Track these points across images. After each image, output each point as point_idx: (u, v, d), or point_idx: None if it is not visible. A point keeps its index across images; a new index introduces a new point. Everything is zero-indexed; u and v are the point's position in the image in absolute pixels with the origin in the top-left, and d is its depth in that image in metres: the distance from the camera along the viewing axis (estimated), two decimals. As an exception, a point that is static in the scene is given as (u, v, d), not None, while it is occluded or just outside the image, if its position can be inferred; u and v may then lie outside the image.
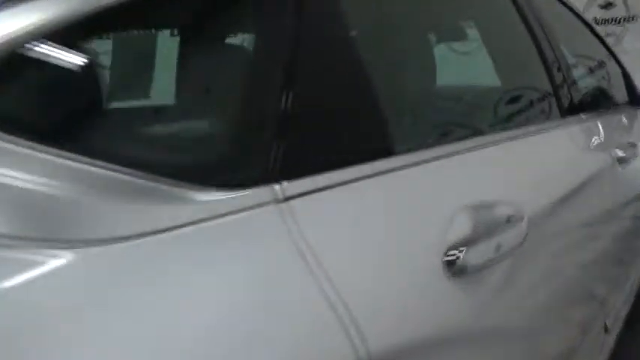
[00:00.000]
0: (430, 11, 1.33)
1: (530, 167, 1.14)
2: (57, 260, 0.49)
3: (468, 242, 0.81)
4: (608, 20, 3.89)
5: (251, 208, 0.61)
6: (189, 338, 0.52)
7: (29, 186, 0.50)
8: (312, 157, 0.71)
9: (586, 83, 1.85)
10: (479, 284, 0.84)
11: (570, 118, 1.51)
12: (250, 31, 0.74)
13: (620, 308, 1.66)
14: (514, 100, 1.41)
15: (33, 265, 0.48)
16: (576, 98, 1.59)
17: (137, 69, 0.75)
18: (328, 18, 0.79)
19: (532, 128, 1.29)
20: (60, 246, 0.50)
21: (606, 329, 1.51)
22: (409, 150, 0.86)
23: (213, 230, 0.58)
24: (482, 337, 0.85)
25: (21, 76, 0.54)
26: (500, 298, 0.90)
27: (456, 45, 1.55)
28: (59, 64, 0.56)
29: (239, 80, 0.73)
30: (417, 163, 0.85)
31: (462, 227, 0.82)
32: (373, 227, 0.73)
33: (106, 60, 0.63)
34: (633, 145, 1.77)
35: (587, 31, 2.03)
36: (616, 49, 2.26)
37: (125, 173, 0.55)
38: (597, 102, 1.77)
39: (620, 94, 2.09)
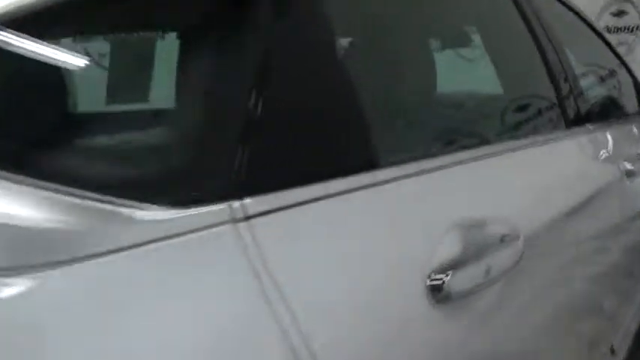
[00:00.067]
0: (431, 17, 1.27)
1: (528, 181, 1.07)
2: None
3: (455, 265, 0.75)
4: (620, 28, 3.82)
5: (205, 228, 0.55)
6: None
7: None
8: (280, 171, 0.64)
9: (595, 92, 1.81)
10: (467, 310, 0.78)
11: (576, 129, 1.44)
12: (210, 33, 0.67)
13: (628, 325, 1.59)
14: (515, 109, 1.34)
15: None
16: (583, 108, 1.52)
17: (80, 72, 0.69)
18: (305, 20, 0.73)
19: (533, 139, 1.23)
20: None
21: (613, 351, 1.43)
22: (394, 162, 0.79)
23: (159, 253, 0.52)
24: None
25: None
26: (491, 325, 0.83)
27: (458, 51, 1.50)
28: None
29: (196, 84, 0.67)
30: (403, 177, 0.78)
31: (449, 248, 0.76)
32: (348, 250, 0.66)
33: (40, 66, 0.57)
34: (643, 157, 1.70)
35: (598, 40, 1.98)
36: (628, 59, 2.21)
37: (62, 192, 0.50)
38: (607, 112, 1.72)
39: (631, 103, 2.04)
